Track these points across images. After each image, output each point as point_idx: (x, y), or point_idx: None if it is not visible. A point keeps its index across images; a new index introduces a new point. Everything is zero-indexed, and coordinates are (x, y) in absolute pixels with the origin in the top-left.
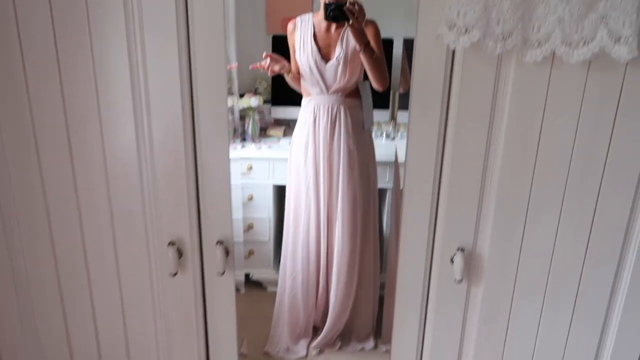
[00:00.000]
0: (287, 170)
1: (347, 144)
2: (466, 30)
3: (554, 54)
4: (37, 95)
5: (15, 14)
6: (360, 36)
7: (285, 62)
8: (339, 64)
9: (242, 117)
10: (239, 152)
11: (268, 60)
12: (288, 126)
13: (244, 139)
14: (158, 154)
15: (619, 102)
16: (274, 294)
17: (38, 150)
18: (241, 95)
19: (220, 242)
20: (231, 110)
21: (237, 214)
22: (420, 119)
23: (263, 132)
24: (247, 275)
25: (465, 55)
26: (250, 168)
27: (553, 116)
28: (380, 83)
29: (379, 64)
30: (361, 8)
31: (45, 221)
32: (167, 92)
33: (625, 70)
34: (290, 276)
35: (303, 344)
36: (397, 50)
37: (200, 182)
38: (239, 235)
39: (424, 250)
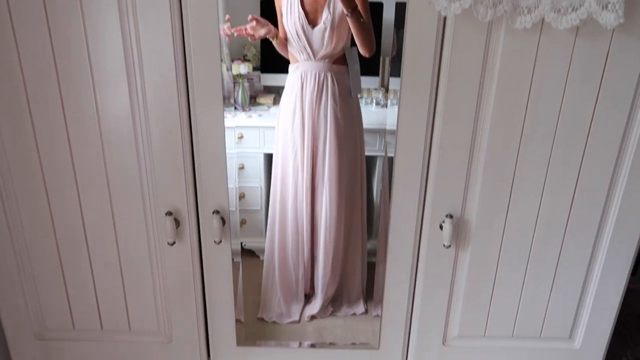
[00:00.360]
0: (275, 137)
1: (334, 111)
2: None
3: (543, 20)
4: (27, 58)
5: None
6: (347, 0)
7: (271, 27)
8: (325, 29)
9: (232, 85)
10: (230, 121)
11: (254, 23)
12: (278, 94)
13: (235, 108)
14: (153, 122)
15: (604, 68)
16: None
17: (33, 120)
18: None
19: (216, 212)
20: (222, 78)
21: (231, 183)
22: (411, 87)
23: (253, 99)
24: (240, 244)
25: (457, 22)
26: (241, 137)
27: (541, 82)
28: (367, 49)
29: (366, 29)
30: None
31: (42, 191)
32: (160, 58)
33: (612, 36)
34: (279, 242)
35: (295, 309)
36: (387, 15)
37: (196, 152)
38: (232, 204)
39: (414, 217)
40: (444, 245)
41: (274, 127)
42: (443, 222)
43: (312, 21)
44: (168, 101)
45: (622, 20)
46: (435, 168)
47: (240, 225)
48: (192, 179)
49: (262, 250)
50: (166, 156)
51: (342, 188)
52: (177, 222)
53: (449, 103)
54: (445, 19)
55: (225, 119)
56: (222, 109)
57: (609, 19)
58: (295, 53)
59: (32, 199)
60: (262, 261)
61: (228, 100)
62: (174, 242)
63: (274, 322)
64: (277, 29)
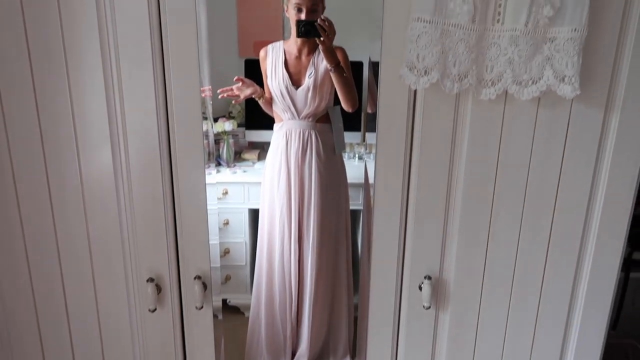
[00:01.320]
0: (261, 194)
1: (318, 167)
2: (425, 72)
3: (506, 92)
4: (13, 124)
5: None
6: (331, 55)
7: (256, 87)
8: (309, 90)
9: (217, 141)
10: (214, 177)
11: (240, 83)
12: (262, 149)
13: (219, 164)
14: (136, 185)
15: (567, 133)
16: None
17: (15, 183)
18: (215, 120)
19: (198, 277)
20: (206, 134)
21: (214, 239)
22: (386, 151)
23: (238, 155)
24: (224, 301)
25: (426, 93)
26: (225, 193)
27: (508, 147)
28: (350, 104)
29: (349, 84)
30: (331, 25)
31: (23, 257)
32: (144, 120)
33: (571, 105)
34: (267, 298)
35: None
36: (367, 73)
37: (178, 216)
38: (215, 261)
39: (394, 277)
40: (423, 307)
41: (258, 183)
42: (422, 283)
43: (295, 82)
44: (151, 165)
45: (578, 92)
46: (412, 229)
47: (225, 281)
48: (174, 243)
49: (247, 307)
50: (149, 221)
51: (328, 243)
52: (159, 288)
53: (423, 166)
54: (415, 90)
55: (209, 175)
56: (203, 173)
57: (567, 91)
58: (280, 112)
59: (11, 264)
60: (247, 318)
61: (212, 157)
62: (155, 309)
63: None
64: (263, 89)
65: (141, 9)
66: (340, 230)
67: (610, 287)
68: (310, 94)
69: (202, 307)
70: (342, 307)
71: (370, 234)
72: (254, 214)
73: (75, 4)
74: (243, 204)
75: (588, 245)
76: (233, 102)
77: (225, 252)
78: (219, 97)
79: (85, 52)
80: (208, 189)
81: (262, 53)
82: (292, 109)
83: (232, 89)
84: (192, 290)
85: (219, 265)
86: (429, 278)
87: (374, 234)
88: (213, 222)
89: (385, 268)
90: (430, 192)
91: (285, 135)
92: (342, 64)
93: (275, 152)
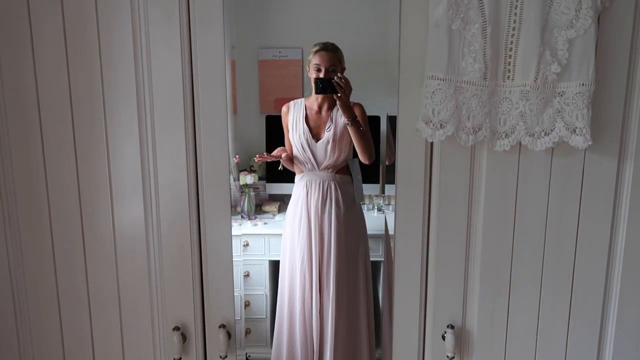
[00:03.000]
0: (282, 245)
1: (338, 217)
2: (441, 126)
3: (520, 143)
4: (53, 178)
5: (37, 102)
6: (348, 110)
7: (284, 148)
8: (328, 143)
9: (239, 195)
10: (236, 229)
11: (265, 155)
12: (282, 201)
13: (241, 216)
14: (165, 236)
15: (582, 181)
16: None
17: (52, 233)
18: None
19: (222, 326)
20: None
21: (236, 291)
22: (405, 204)
23: (258, 208)
24: (246, 355)
25: (442, 145)
26: (246, 245)
27: (525, 196)
28: (366, 156)
29: (366, 138)
30: (347, 82)
31: (55, 305)
32: (174, 174)
33: (585, 155)
34: (288, 352)
35: None
36: (384, 126)
37: (204, 265)
38: (238, 314)
39: (416, 327)
40: (447, 357)
41: (279, 235)
42: (445, 332)
43: (315, 136)
44: (180, 217)
45: (590, 143)
46: (433, 279)
47: (245, 335)
48: (200, 292)
49: None
50: (176, 271)
51: (347, 292)
52: (184, 337)
53: (442, 216)
54: (432, 142)
55: (233, 227)
56: (229, 224)
57: (579, 141)
58: (301, 164)
59: (44, 317)
60: None
61: (235, 209)
62: (180, 358)
63: None
64: (281, 150)
65: (176, 72)
66: (360, 280)
67: (639, 340)
68: (329, 147)
69: (226, 357)
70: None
71: (391, 284)
72: (275, 266)
73: (115, 62)
74: (264, 255)
75: (612, 288)
76: (256, 159)
77: (246, 305)
78: (257, 160)
79: (123, 110)
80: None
81: (284, 109)
82: (313, 160)
83: (268, 156)
84: (216, 339)
85: (241, 318)
86: (452, 327)
87: (395, 283)
88: (236, 274)
89: (407, 318)
90: (450, 241)
91: (305, 186)
92: (359, 118)
93: (296, 202)
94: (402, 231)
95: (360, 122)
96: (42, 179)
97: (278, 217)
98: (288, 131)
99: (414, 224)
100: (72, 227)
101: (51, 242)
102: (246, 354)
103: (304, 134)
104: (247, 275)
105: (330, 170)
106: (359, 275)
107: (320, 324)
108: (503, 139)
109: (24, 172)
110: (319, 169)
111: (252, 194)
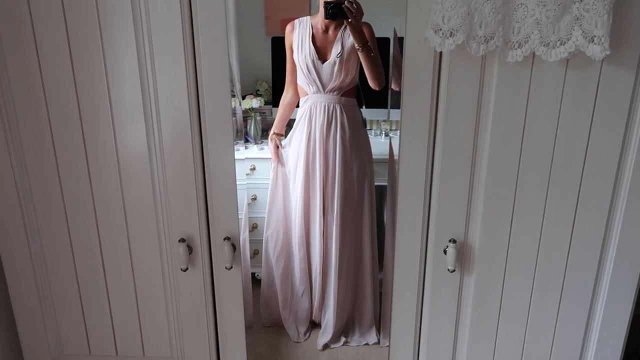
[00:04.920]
0: (285, 167)
1: (343, 141)
2: (451, 34)
3: (533, 53)
4: (53, 99)
5: (33, 29)
6: (359, 35)
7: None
8: (335, 64)
9: (245, 119)
10: (242, 153)
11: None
12: (289, 126)
13: (247, 140)
14: (168, 156)
15: (596, 95)
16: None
17: (57, 156)
18: (243, 97)
19: (227, 238)
20: (234, 112)
21: (243, 214)
22: (411, 118)
23: (265, 133)
24: (252, 274)
25: (452, 56)
26: (253, 169)
27: (535, 111)
28: (376, 82)
29: (376, 63)
30: (359, 6)
31: (63, 222)
32: (175, 96)
33: (601, 66)
34: (284, 268)
35: (300, 329)
36: (393, 48)
37: (208, 182)
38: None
39: (418, 243)
40: (448, 270)
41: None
42: (447, 247)
43: (322, 56)
44: (182, 134)
45: (608, 52)
46: (437, 195)
47: (253, 256)
48: (204, 207)
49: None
50: (180, 186)
51: (352, 216)
52: (190, 249)
53: (448, 132)
54: (441, 53)
55: (237, 152)
56: (232, 142)
57: (596, 51)
58: (305, 86)
59: (53, 230)
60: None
61: (240, 134)
62: (187, 268)
63: (291, 342)
64: (279, 161)
65: None
66: (365, 204)
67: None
68: (336, 68)
69: (231, 268)
70: (367, 280)
71: (395, 206)
72: None
73: None
74: (270, 179)
75: (617, 211)
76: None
77: (254, 227)
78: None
79: (119, 24)
80: (237, 165)
81: (288, 27)
82: (318, 82)
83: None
84: (221, 251)
85: (247, 239)
86: (454, 242)
87: (399, 198)
88: (242, 197)
89: (410, 232)
90: (455, 157)
91: (310, 109)
92: (369, 41)
93: (301, 125)
94: (407, 147)
95: (371, 45)
96: (42, 106)
97: (284, 141)
98: (292, 52)
99: (420, 139)
100: (75, 143)
101: (56, 166)
102: (253, 273)
103: (310, 54)
104: (254, 199)
105: (335, 93)
106: (364, 198)
107: (324, 244)
108: (516, 49)
109: (21, 87)
110: (324, 91)
111: (259, 118)
